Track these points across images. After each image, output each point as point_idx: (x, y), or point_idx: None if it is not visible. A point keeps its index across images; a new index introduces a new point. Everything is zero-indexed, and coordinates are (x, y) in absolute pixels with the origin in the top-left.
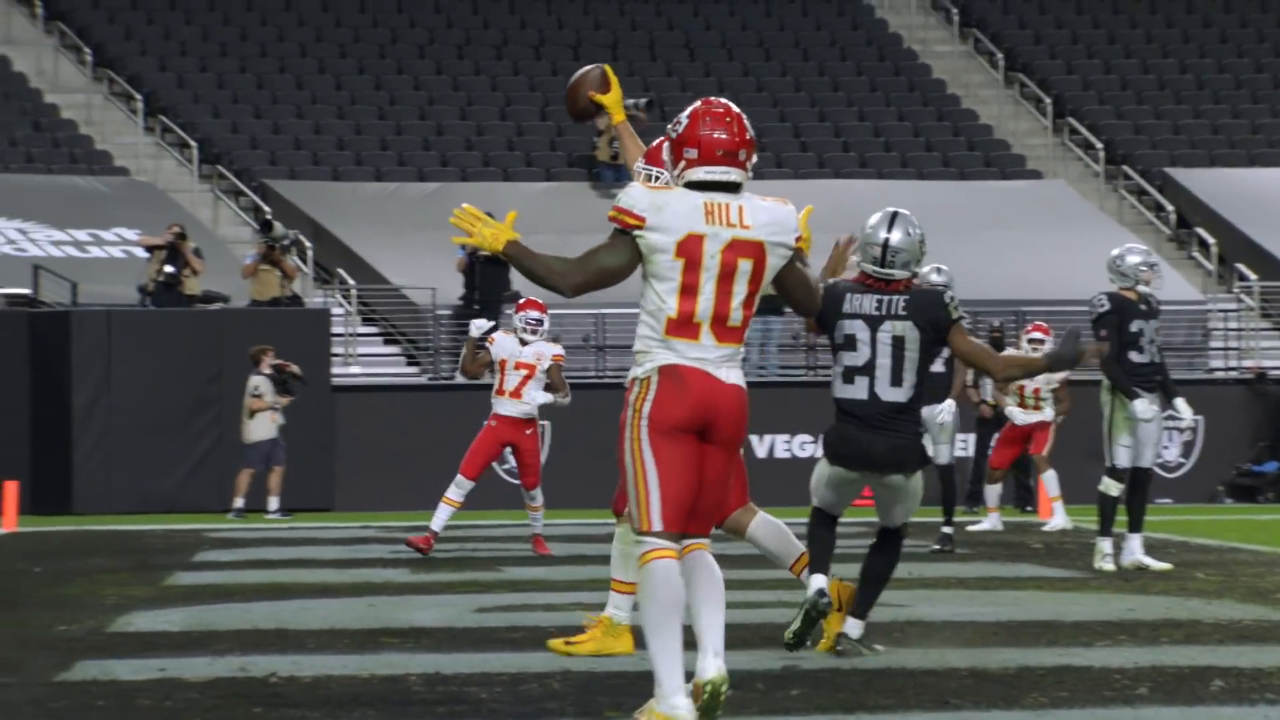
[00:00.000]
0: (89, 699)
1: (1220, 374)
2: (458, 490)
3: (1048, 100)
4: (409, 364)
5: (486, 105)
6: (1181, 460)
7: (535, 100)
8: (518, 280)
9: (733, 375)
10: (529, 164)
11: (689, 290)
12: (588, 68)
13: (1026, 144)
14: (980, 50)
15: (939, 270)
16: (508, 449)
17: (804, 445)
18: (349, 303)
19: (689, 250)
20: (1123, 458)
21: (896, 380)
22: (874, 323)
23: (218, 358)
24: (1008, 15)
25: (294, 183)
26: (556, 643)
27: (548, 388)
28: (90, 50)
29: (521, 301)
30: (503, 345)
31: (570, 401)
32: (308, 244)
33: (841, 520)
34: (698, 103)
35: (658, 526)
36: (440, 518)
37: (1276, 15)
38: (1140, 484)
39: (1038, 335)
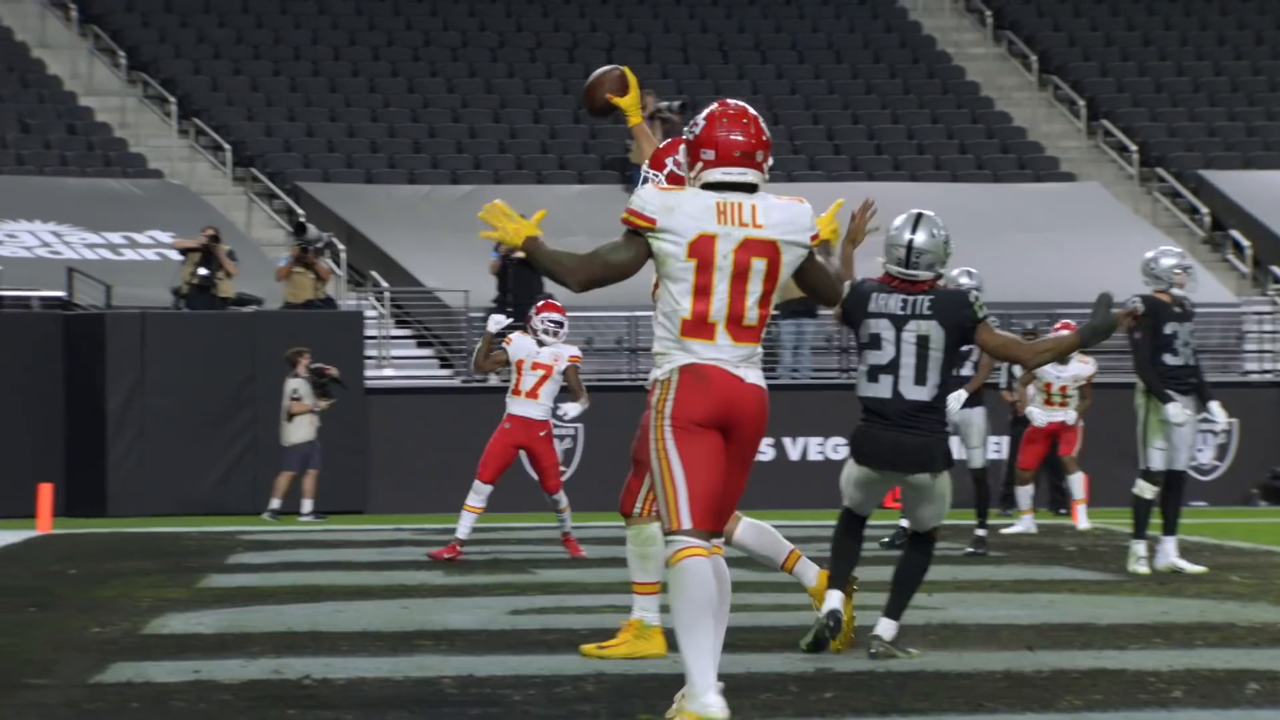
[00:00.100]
0: (123, 701)
1: (1255, 376)
2: (477, 496)
3: (1082, 103)
4: (442, 366)
5: (520, 108)
6: (1216, 463)
7: (568, 103)
8: (551, 283)
9: (753, 375)
10: (562, 166)
11: (702, 291)
12: (606, 68)
13: (1060, 146)
14: (1014, 52)
15: (969, 274)
16: (524, 455)
17: (837, 448)
18: (382, 305)
19: (701, 251)
20: (1157, 460)
21: (920, 379)
22: (899, 322)
23: (251, 360)
24: (1042, 17)
25: (327, 185)
26: (589, 648)
27: (564, 390)
28: (125, 54)
29: (541, 303)
30: (520, 345)
31: (588, 405)
32: (341, 246)
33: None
34: (714, 104)
35: (687, 525)
36: (465, 525)
37: None
38: (1175, 487)
39: (1065, 334)
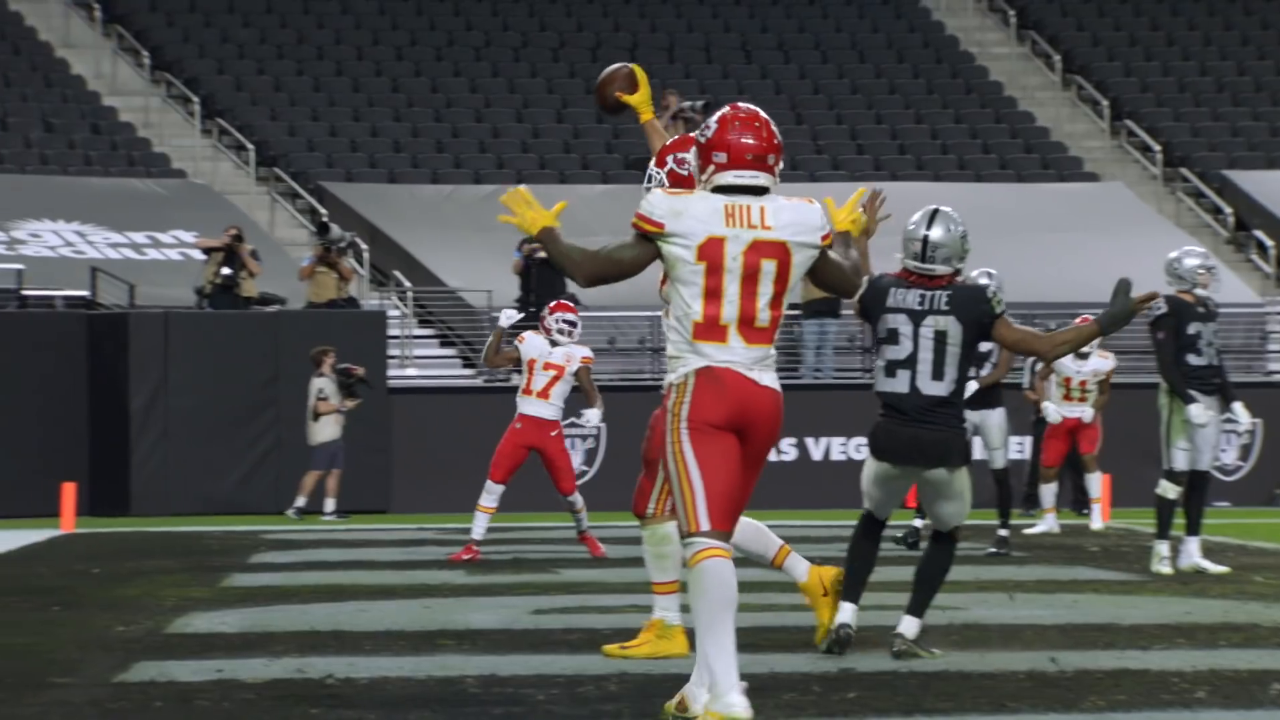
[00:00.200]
0: (147, 700)
1: (1278, 377)
2: (489, 496)
3: (1105, 102)
4: (465, 366)
5: (543, 108)
6: (1239, 463)
7: (592, 102)
8: (574, 284)
9: (767, 378)
10: (585, 166)
11: (713, 294)
12: (616, 66)
13: (1084, 146)
14: (1038, 52)
15: (989, 275)
16: (536, 456)
17: (859, 448)
18: (405, 305)
19: (710, 254)
20: (1180, 461)
21: (938, 374)
22: (917, 317)
23: (275, 360)
24: (1066, 17)
25: (350, 185)
26: (612, 648)
27: (575, 390)
28: (148, 53)
29: (554, 303)
30: (533, 345)
31: (603, 408)
32: (364, 246)
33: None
34: (725, 108)
35: (705, 526)
36: (479, 526)
37: None
38: (1198, 487)
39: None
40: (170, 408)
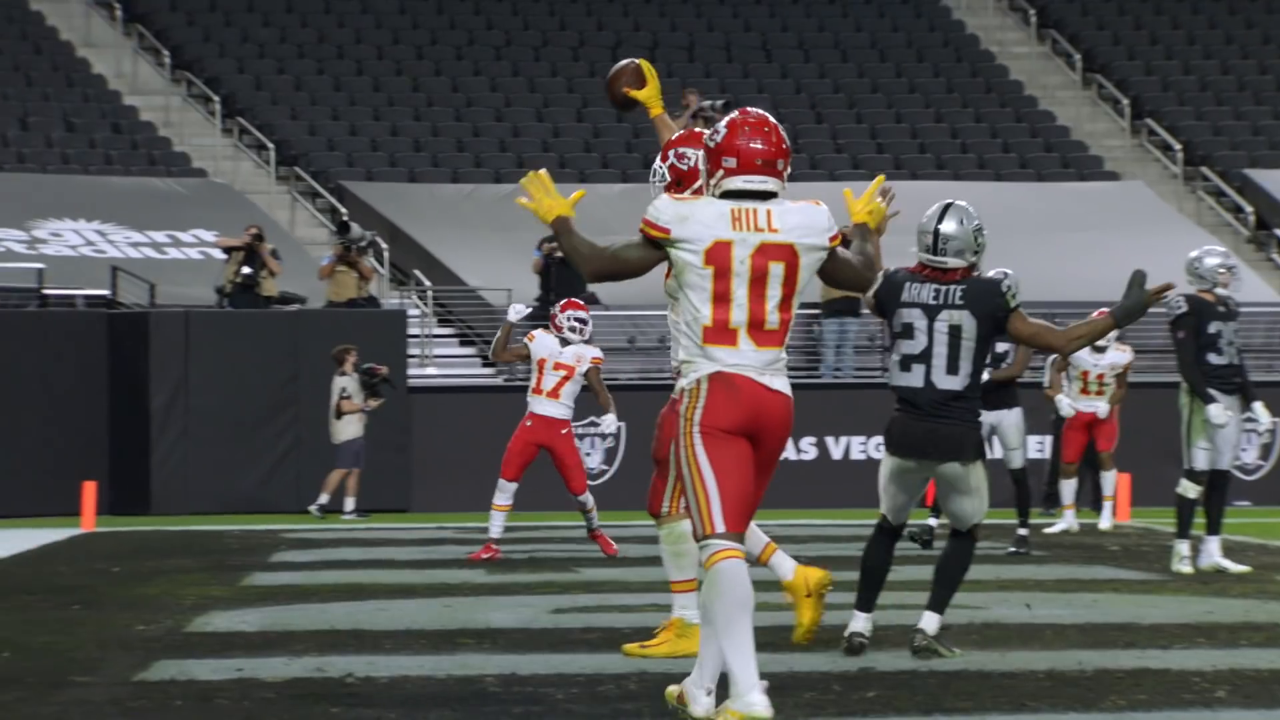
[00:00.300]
0: (167, 699)
1: None
2: (503, 495)
3: (1126, 101)
4: (485, 365)
5: (563, 106)
6: (1260, 462)
7: (614, 107)
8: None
9: (778, 383)
10: (605, 165)
11: (722, 297)
12: (624, 62)
13: (1104, 145)
14: (1058, 51)
15: (1005, 274)
16: (546, 456)
17: (879, 447)
18: (425, 304)
19: (717, 258)
20: (1201, 460)
21: (952, 369)
22: (931, 312)
23: (295, 359)
24: (1086, 16)
25: (371, 184)
26: (631, 647)
27: (584, 389)
28: (169, 52)
29: (565, 300)
30: (543, 344)
31: (614, 410)
32: (384, 245)
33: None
34: (734, 112)
35: (721, 528)
36: (495, 525)
37: None
38: (1219, 486)
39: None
40: (190, 407)
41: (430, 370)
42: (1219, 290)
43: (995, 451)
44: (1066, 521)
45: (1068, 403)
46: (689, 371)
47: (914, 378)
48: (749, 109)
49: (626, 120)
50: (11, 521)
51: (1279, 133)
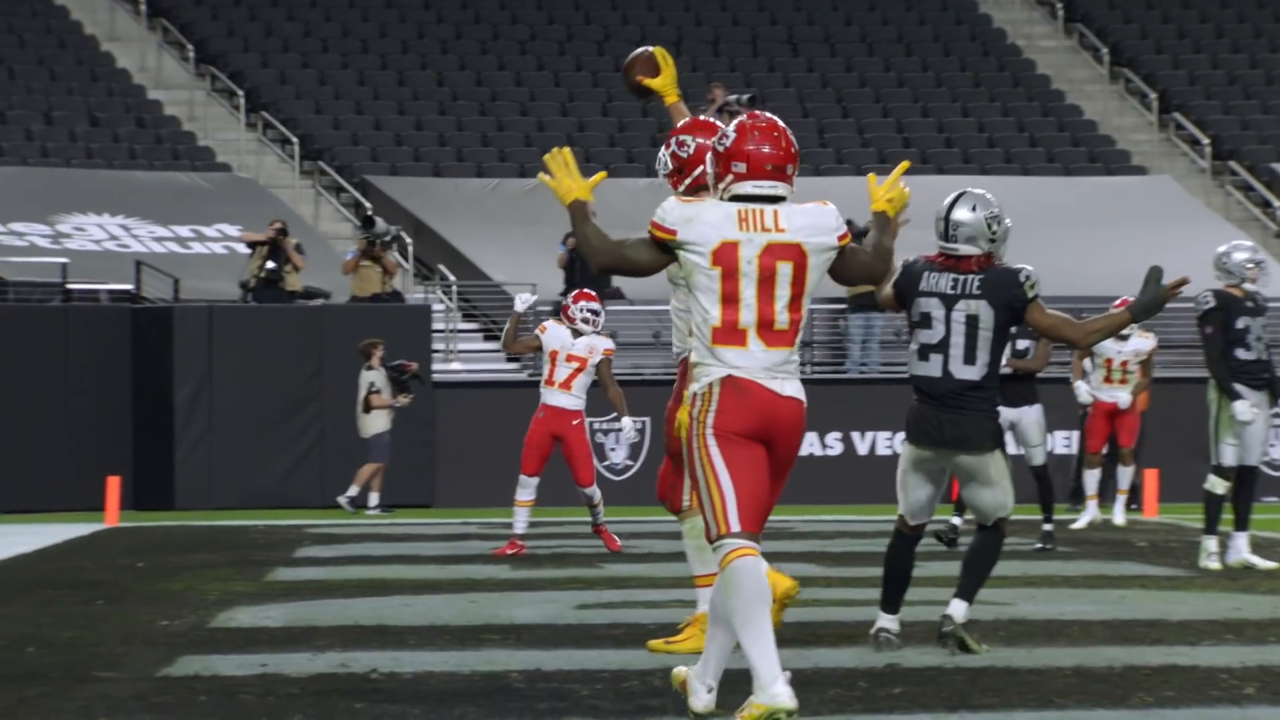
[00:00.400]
0: (191, 694)
1: None
2: (524, 490)
3: (1153, 95)
4: (509, 360)
5: (588, 101)
6: None
7: (636, 99)
8: (616, 277)
9: (789, 387)
10: (630, 160)
11: (730, 298)
12: (639, 50)
13: (1132, 139)
14: (1085, 45)
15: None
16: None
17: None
18: (450, 299)
19: (724, 258)
20: (1229, 456)
21: (970, 358)
22: (949, 301)
23: (319, 354)
24: (1113, 9)
25: (395, 179)
26: (656, 643)
27: (595, 384)
28: (193, 47)
29: (577, 292)
30: (555, 335)
31: (626, 410)
32: (408, 240)
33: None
34: (743, 116)
35: (735, 528)
36: (520, 520)
37: None
38: (1246, 482)
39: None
40: (214, 402)
41: (454, 365)
42: (1247, 285)
43: (1016, 448)
44: (1090, 513)
45: (1085, 389)
46: (700, 375)
47: (931, 367)
48: (758, 113)
49: (651, 114)
50: (36, 517)
51: None
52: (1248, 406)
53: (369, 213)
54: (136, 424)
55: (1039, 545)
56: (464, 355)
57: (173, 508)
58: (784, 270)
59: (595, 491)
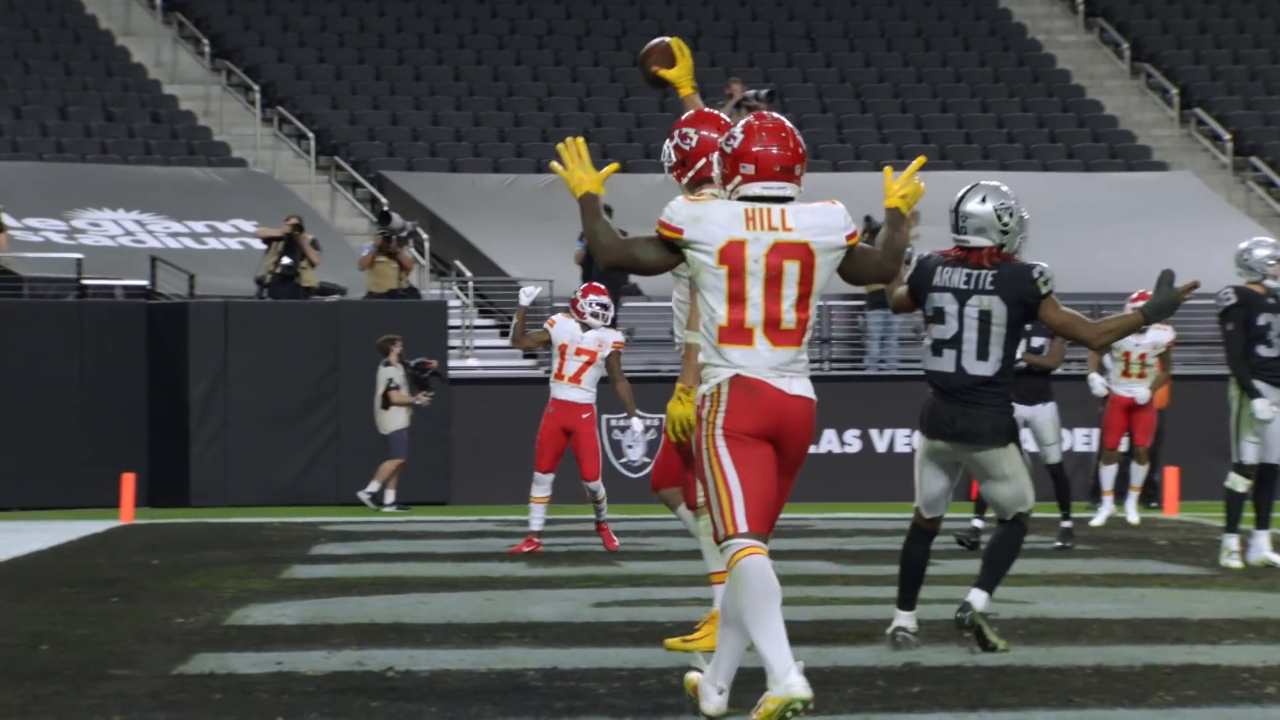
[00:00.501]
0: (206, 691)
1: None
2: (540, 487)
3: (1174, 91)
4: (526, 356)
5: (605, 96)
6: None
7: (653, 91)
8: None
9: (798, 386)
10: (647, 155)
11: (736, 297)
12: (655, 40)
13: (1153, 135)
14: (1105, 40)
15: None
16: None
17: None
18: (466, 295)
19: (731, 257)
20: (1250, 454)
21: (983, 354)
22: (962, 296)
23: (335, 350)
24: (1134, 4)
25: (411, 174)
26: (674, 641)
27: (603, 380)
28: (208, 41)
29: (586, 285)
30: (564, 329)
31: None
32: (425, 236)
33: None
34: (749, 117)
35: (744, 528)
36: (536, 517)
37: None
38: (1268, 480)
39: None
40: (230, 398)
41: (471, 361)
42: (1269, 282)
43: (1031, 446)
44: (1106, 508)
45: (1100, 381)
46: (708, 376)
47: (945, 363)
48: (765, 114)
49: (669, 109)
50: (50, 513)
51: None
52: (1268, 404)
53: (385, 208)
54: (152, 420)
55: (1058, 543)
56: (480, 351)
57: (188, 505)
58: (791, 269)
59: (599, 487)
